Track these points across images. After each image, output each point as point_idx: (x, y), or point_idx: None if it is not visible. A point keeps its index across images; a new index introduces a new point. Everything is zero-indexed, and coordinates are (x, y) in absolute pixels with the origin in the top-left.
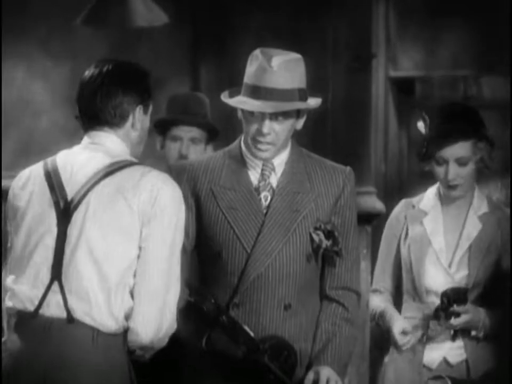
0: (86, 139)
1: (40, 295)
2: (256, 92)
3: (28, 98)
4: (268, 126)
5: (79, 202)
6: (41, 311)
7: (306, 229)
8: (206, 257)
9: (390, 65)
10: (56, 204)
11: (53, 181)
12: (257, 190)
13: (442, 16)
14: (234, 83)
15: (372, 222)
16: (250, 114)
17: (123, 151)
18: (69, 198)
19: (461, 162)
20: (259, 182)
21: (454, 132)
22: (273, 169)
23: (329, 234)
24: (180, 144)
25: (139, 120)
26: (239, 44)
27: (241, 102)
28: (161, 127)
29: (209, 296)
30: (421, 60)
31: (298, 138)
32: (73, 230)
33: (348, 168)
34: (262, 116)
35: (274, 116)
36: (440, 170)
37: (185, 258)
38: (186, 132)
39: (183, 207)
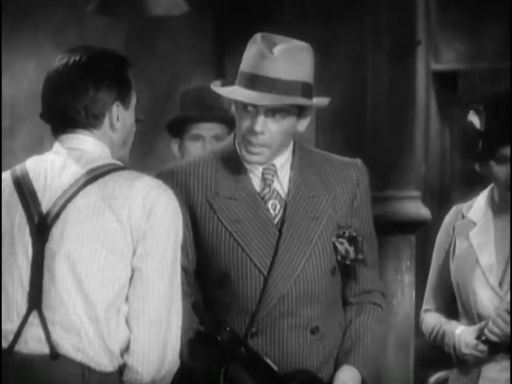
0: (57, 145)
1: (15, 328)
2: (252, 81)
3: (40, 92)
4: (261, 123)
5: (56, 216)
6: (17, 348)
7: (328, 238)
8: (209, 280)
9: (431, 57)
10: (30, 219)
11: (24, 191)
12: (263, 199)
13: (486, 4)
14: None
15: (415, 231)
16: (243, 109)
17: (104, 154)
18: (45, 211)
19: None
20: (262, 189)
21: None
22: (276, 173)
23: (352, 241)
24: (202, 143)
25: (118, 118)
26: (267, 32)
27: (231, 91)
28: (177, 127)
29: (224, 324)
30: (464, 51)
31: (331, 136)
32: (51, 250)
33: (359, 160)
34: (256, 111)
35: (271, 112)
36: (501, 170)
37: (188, 281)
38: (208, 130)
39: (181, 217)
